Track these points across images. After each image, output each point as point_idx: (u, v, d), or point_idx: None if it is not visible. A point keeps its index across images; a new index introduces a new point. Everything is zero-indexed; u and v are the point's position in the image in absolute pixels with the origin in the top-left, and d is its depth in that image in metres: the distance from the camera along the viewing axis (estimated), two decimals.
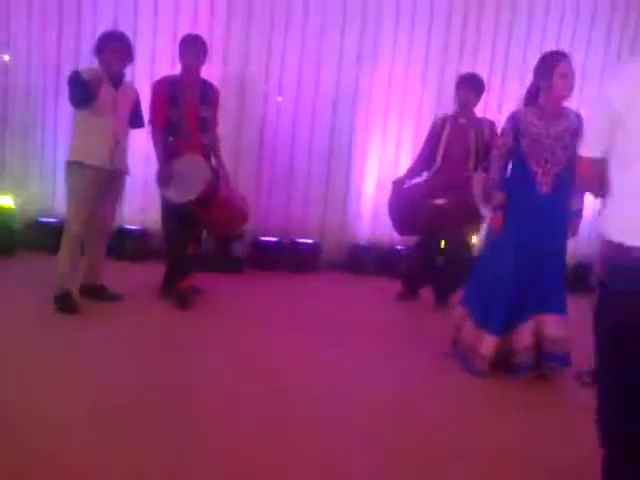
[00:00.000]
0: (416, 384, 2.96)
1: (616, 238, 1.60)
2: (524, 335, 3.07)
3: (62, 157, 3.66)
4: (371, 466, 2.13)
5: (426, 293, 4.43)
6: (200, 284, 4.05)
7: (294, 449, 2.20)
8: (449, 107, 4.37)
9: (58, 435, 2.15)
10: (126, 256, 4.81)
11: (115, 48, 3.49)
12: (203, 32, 4.61)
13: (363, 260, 5.24)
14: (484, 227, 3.85)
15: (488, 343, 3.07)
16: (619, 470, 1.65)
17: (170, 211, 3.73)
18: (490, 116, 4.51)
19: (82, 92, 3.34)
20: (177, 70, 3.95)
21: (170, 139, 3.77)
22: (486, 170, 4.01)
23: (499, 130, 3.55)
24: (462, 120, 4.11)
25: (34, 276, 4.02)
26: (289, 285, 4.72)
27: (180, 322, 3.55)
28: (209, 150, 3.91)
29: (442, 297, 4.32)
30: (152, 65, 4.84)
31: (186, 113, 3.75)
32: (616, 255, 1.61)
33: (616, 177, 1.65)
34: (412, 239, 4.56)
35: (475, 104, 4.15)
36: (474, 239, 4.22)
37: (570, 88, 3.01)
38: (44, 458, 2.00)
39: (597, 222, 1.80)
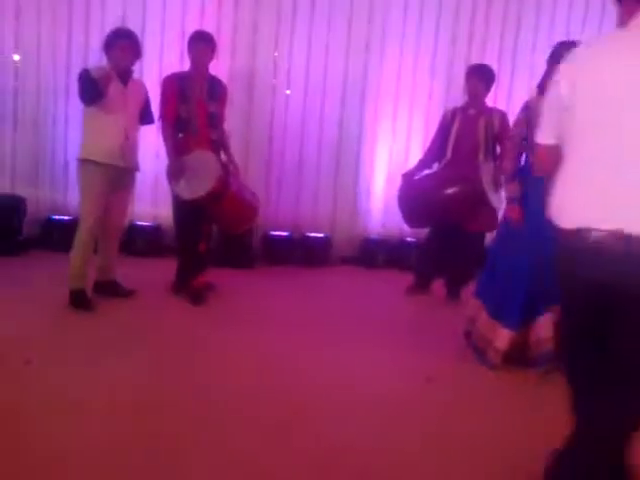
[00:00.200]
0: (427, 377, 2.95)
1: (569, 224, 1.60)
2: (541, 329, 3.03)
3: (73, 155, 3.69)
4: (378, 461, 2.13)
5: (437, 286, 4.42)
6: (212, 280, 4.06)
7: (302, 444, 2.20)
8: (459, 98, 4.34)
9: (73, 429, 2.17)
10: (138, 252, 4.84)
11: (123, 45, 3.50)
12: (211, 26, 4.63)
13: (374, 253, 5.24)
14: (497, 218, 3.83)
15: (503, 337, 3.04)
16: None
17: (181, 207, 3.75)
18: (500, 107, 4.48)
19: (91, 90, 3.36)
20: (185, 66, 3.96)
21: (180, 135, 3.78)
22: (496, 160, 3.99)
23: (511, 121, 3.51)
24: (472, 111, 4.09)
25: (47, 274, 4.06)
26: (300, 279, 4.73)
27: (193, 318, 3.57)
28: (218, 146, 3.92)
29: (454, 290, 4.30)
30: (160, 61, 4.86)
31: (195, 109, 3.76)
32: (572, 241, 1.62)
33: (566, 162, 1.64)
34: (423, 232, 4.54)
35: (485, 94, 4.12)
36: (486, 230, 4.19)
37: None
38: (54, 455, 2.02)
39: None
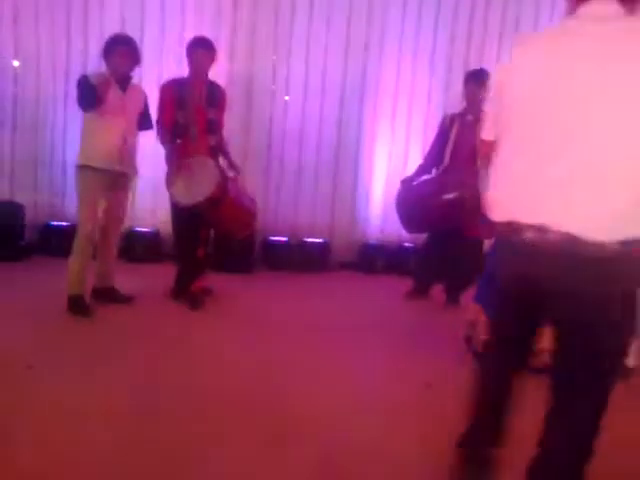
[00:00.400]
0: (427, 382, 2.94)
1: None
2: (549, 338, 3.02)
3: (72, 161, 3.69)
4: (377, 466, 2.13)
5: (437, 291, 4.42)
6: (211, 285, 4.06)
7: (299, 450, 2.20)
8: (457, 98, 4.36)
9: (70, 435, 2.17)
10: (137, 258, 4.84)
11: (122, 51, 3.51)
12: (209, 31, 4.65)
13: (373, 259, 5.24)
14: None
15: None
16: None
17: (179, 213, 3.75)
18: None
19: (89, 96, 3.37)
20: (184, 71, 3.97)
21: (178, 141, 3.79)
22: None
23: None
24: (470, 117, 4.10)
25: (46, 280, 4.05)
26: (299, 285, 4.73)
27: (191, 323, 3.57)
28: (217, 152, 3.93)
29: (453, 295, 4.30)
30: (159, 67, 4.87)
31: (194, 115, 3.76)
32: (502, 235, 1.64)
33: (497, 156, 1.66)
34: (421, 237, 4.55)
35: (482, 100, 4.13)
36: (484, 236, 4.19)
37: None
38: (50, 461, 2.01)
39: None
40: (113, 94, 3.47)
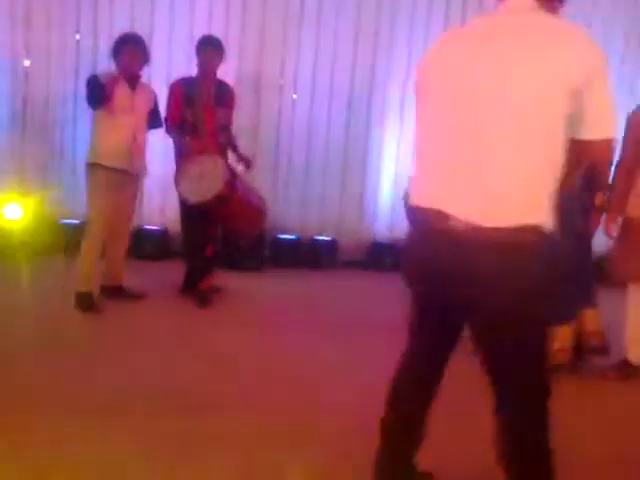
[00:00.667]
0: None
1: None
2: (562, 337, 3.00)
3: (82, 159, 3.72)
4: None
5: None
6: (220, 283, 4.07)
7: (308, 449, 2.20)
8: None
9: (69, 432, 2.18)
10: (146, 256, 4.86)
11: (131, 50, 3.53)
12: (218, 30, 4.66)
13: (381, 256, 5.23)
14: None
15: None
16: None
17: (188, 211, 3.76)
18: None
19: (97, 94, 3.40)
20: (193, 70, 3.99)
21: (187, 139, 3.81)
22: None
23: None
24: None
25: (55, 277, 4.08)
26: (307, 283, 4.73)
27: (200, 321, 3.58)
28: (226, 150, 3.94)
29: None
30: (168, 65, 4.89)
31: (203, 114, 3.78)
32: (412, 219, 1.68)
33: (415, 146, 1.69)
34: None
35: None
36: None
37: None
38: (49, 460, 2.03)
39: None
40: (122, 92, 3.49)
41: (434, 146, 1.60)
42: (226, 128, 3.94)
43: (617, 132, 1.53)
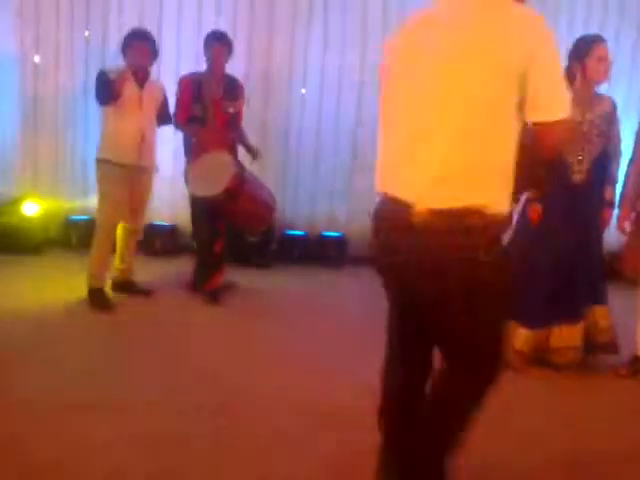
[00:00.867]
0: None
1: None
2: (572, 336, 2.99)
3: (92, 155, 3.73)
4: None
5: None
6: (228, 279, 4.07)
7: (324, 446, 2.20)
8: None
9: (94, 426, 2.19)
10: (156, 252, 4.88)
11: (140, 46, 3.54)
12: (227, 26, 4.64)
13: None
14: (515, 218, 3.78)
15: (520, 337, 3.01)
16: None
17: (199, 207, 3.77)
18: None
19: (106, 90, 3.41)
20: (201, 65, 3.99)
21: (195, 134, 3.81)
22: None
23: None
24: None
25: (66, 273, 4.10)
26: (316, 279, 4.73)
27: (210, 317, 3.59)
28: (235, 145, 3.94)
29: None
30: (177, 62, 4.89)
31: (212, 109, 3.78)
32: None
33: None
34: None
35: None
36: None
37: (606, 72, 2.90)
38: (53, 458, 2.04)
39: None
40: (131, 89, 3.49)
41: (388, 132, 1.62)
42: (235, 123, 3.93)
43: (568, 112, 1.46)
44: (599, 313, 3.05)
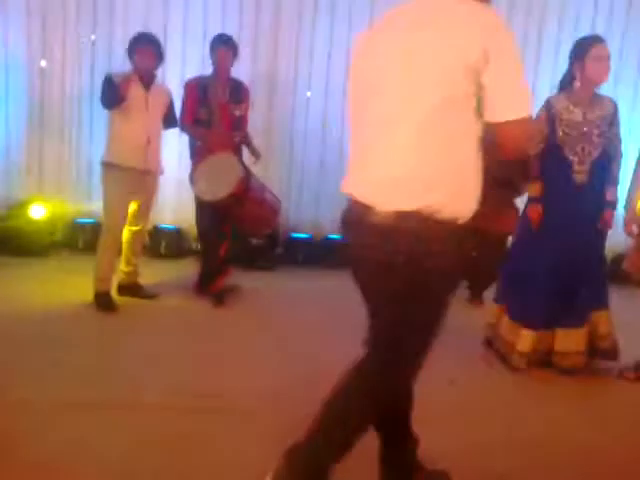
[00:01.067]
0: (446, 380, 2.92)
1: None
2: (577, 340, 2.98)
3: (98, 158, 3.75)
4: None
5: (459, 289, 4.37)
6: (234, 282, 4.08)
7: None
8: None
9: (96, 428, 2.20)
10: (161, 254, 4.89)
11: (146, 50, 3.55)
12: (232, 29, 4.66)
13: None
14: (518, 218, 3.78)
15: (525, 338, 3.00)
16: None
17: (204, 210, 3.78)
18: None
19: (111, 94, 3.43)
20: (207, 69, 4.01)
21: (201, 136, 3.83)
22: None
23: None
24: None
25: (72, 276, 4.12)
26: (321, 281, 4.72)
27: (215, 320, 3.59)
28: (240, 148, 3.95)
29: (476, 292, 4.26)
30: (183, 65, 4.91)
31: (217, 112, 3.79)
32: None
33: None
34: None
35: None
36: (510, 232, 4.13)
37: (605, 72, 2.90)
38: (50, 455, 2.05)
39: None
40: (136, 92, 3.51)
41: (354, 132, 1.63)
42: (241, 126, 3.94)
43: (528, 112, 1.43)
44: (600, 318, 3.04)
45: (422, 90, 1.43)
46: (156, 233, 4.94)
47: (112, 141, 3.62)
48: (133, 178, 3.57)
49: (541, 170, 3.05)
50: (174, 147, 4.56)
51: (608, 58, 2.90)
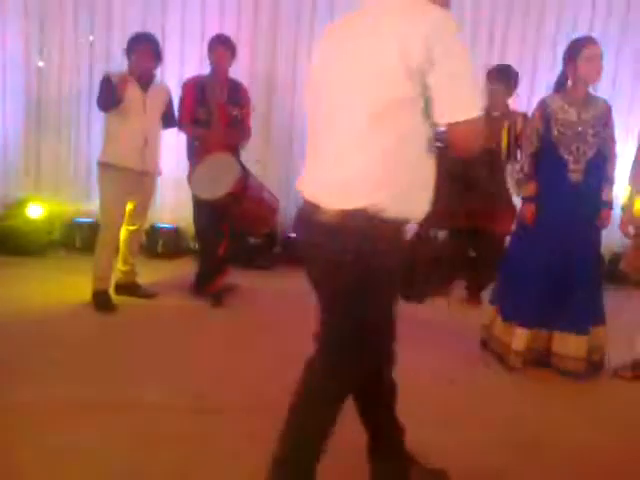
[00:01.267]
0: (446, 380, 2.93)
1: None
2: (578, 347, 2.98)
3: (95, 158, 3.75)
4: None
5: (458, 288, 4.37)
6: (231, 281, 4.08)
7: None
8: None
9: (99, 430, 2.20)
10: (158, 254, 4.89)
11: (144, 50, 3.55)
12: (230, 29, 4.66)
13: None
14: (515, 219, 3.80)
15: (519, 336, 3.01)
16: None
17: (202, 209, 3.78)
18: (521, 107, 4.43)
19: (107, 97, 3.43)
20: (205, 69, 4.01)
21: (199, 136, 3.83)
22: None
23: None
24: (495, 113, 4.05)
25: (70, 275, 4.11)
26: None
27: (213, 319, 3.60)
28: (238, 148, 3.95)
29: (475, 292, 4.26)
30: (181, 65, 4.90)
31: (215, 112, 3.79)
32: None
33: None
34: (442, 233, 4.50)
35: (505, 97, 4.07)
36: (508, 232, 4.15)
37: (597, 72, 2.93)
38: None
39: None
40: (133, 94, 3.50)
41: (309, 133, 1.68)
42: (241, 126, 3.93)
43: (477, 112, 1.42)
44: (598, 334, 3.05)
45: (366, 92, 1.45)
46: (153, 232, 4.94)
47: (109, 142, 3.62)
48: (130, 178, 3.57)
49: (536, 169, 3.08)
50: (172, 147, 4.56)
51: (600, 58, 2.93)
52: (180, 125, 3.86)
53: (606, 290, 3.18)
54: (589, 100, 2.99)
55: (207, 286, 3.87)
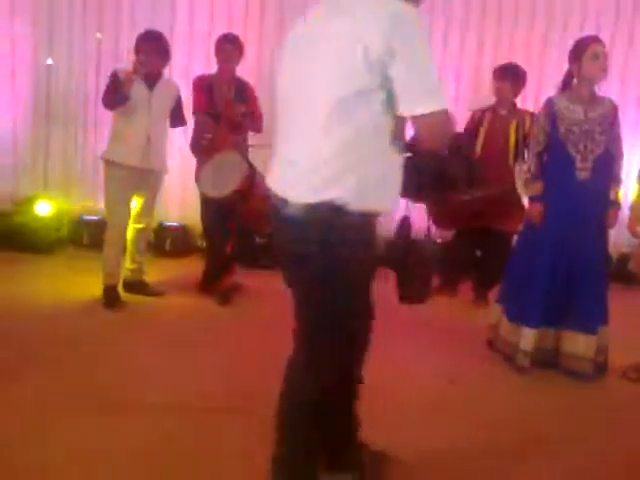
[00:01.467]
0: (446, 380, 2.92)
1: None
2: (587, 347, 2.97)
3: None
4: (407, 460, 2.12)
5: (465, 288, 4.37)
6: (239, 280, 4.08)
7: None
8: (485, 99, 4.30)
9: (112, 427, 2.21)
10: (166, 252, 4.90)
11: (151, 48, 3.55)
12: (237, 28, 4.67)
13: None
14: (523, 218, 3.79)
15: (526, 337, 3.01)
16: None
17: (210, 207, 3.79)
18: (528, 105, 4.42)
19: (112, 96, 3.45)
20: (212, 68, 4.01)
21: (208, 136, 3.83)
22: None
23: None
24: (503, 112, 4.03)
25: (77, 272, 4.13)
26: None
27: (220, 319, 3.60)
28: (246, 146, 3.95)
29: (482, 292, 4.25)
30: (188, 65, 4.91)
31: (223, 111, 3.80)
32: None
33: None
34: (449, 232, 4.49)
35: (513, 95, 4.06)
36: (516, 231, 4.13)
37: (602, 71, 2.93)
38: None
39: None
40: (139, 92, 3.51)
41: (277, 132, 1.69)
42: (250, 124, 3.93)
43: (441, 105, 1.41)
44: (604, 335, 3.04)
45: (326, 85, 1.45)
46: (161, 230, 4.95)
47: (113, 139, 3.64)
48: (133, 176, 3.58)
49: (544, 168, 3.07)
50: (179, 144, 4.56)
51: (605, 57, 2.93)
52: (194, 113, 3.84)
53: (614, 290, 3.16)
54: (595, 99, 2.99)
55: (214, 284, 3.87)
